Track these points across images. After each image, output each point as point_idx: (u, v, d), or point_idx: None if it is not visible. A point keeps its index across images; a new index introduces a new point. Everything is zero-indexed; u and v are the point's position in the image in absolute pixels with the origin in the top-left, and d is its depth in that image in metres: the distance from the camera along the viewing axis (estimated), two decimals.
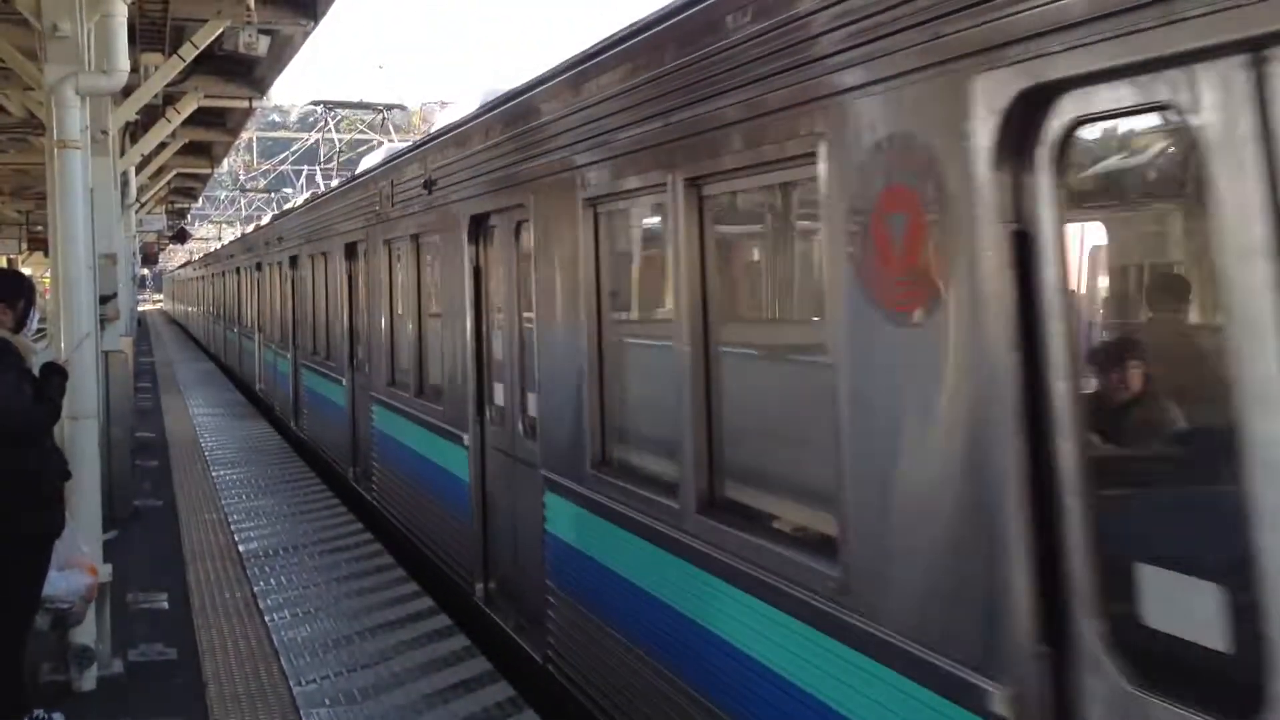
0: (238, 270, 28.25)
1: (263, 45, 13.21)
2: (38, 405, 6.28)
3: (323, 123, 32.62)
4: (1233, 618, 2.74)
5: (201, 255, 50.77)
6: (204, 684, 7.23)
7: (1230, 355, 2.64)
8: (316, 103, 31.33)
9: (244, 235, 31.65)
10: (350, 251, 13.73)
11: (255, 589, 9.37)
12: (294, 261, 18.36)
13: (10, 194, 29.98)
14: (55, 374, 6.56)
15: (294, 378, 18.51)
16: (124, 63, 7.83)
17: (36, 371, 6.53)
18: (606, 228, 6.30)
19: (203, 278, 43.85)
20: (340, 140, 37.39)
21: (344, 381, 14.18)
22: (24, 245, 32.74)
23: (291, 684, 7.21)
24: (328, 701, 6.95)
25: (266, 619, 8.56)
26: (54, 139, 7.45)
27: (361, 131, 37.18)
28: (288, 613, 8.74)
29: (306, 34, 14.06)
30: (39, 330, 9.13)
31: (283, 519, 12.16)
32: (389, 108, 32.00)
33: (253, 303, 24.83)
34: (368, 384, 12.74)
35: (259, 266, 23.33)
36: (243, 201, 54.89)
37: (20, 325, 6.46)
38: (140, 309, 50.74)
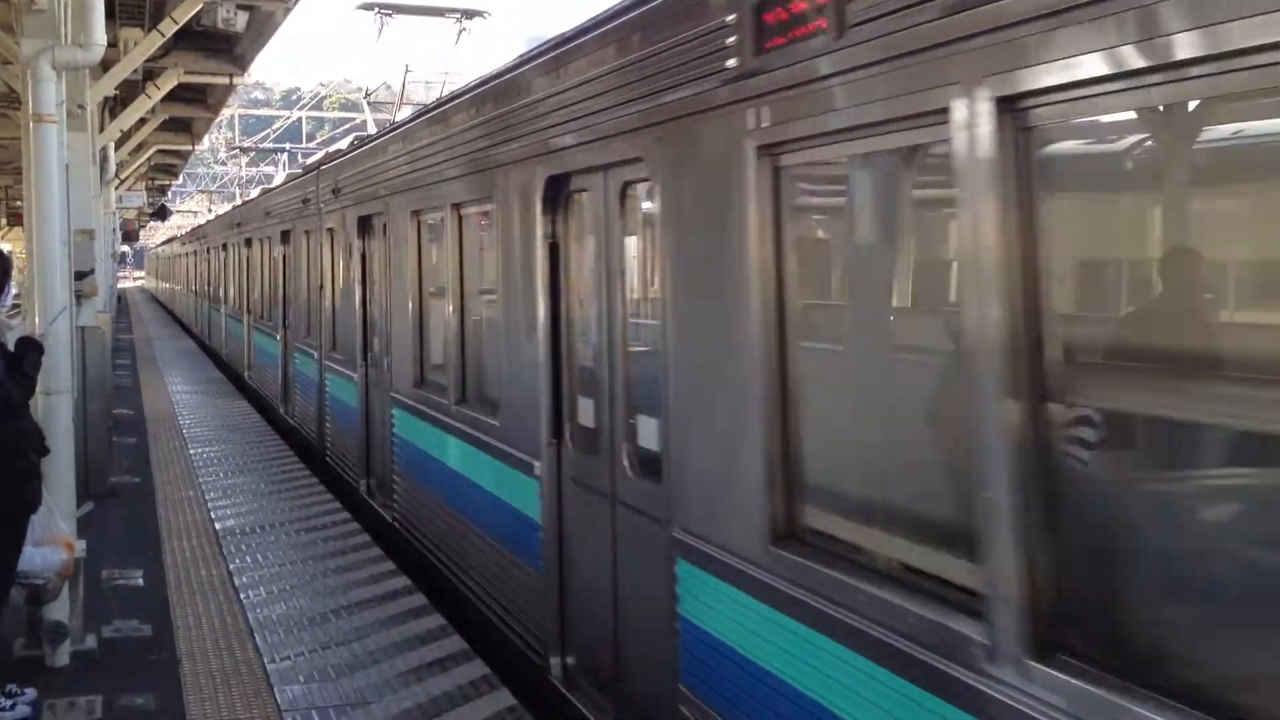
0: (224, 247, 27.20)
1: (241, 21, 13.16)
2: (12, 380, 6.26)
3: (380, 24, 22.35)
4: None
5: (186, 231, 50.14)
6: (178, 660, 7.24)
7: None
8: (367, 6, 21.61)
9: (232, 209, 30.25)
10: (365, 226, 12.00)
11: (231, 566, 9.38)
12: (285, 237, 17.07)
13: None
14: (30, 349, 6.55)
15: (286, 365, 17.25)
16: (101, 37, 7.79)
17: (11, 346, 6.52)
18: (791, 186, 4.46)
19: (185, 254, 42.61)
20: (323, 120, 37.11)
21: (355, 377, 12.39)
22: (4, 220, 32.57)
23: (266, 661, 7.23)
24: (301, 679, 6.96)
25: (242, 596, 8.56)
26: (29, 113, 7.40)
27: (350, 108, 36.72)
28: (263, 590, 8.75)
29: (287, 10, 13.99)
30: (14, 306, 9.10)
31: (260, 497, 12.15)
32: (467, 15, 22.54)
33: (242, 283, 23.21)
34: (386, 382, 10.97)
35: (248, 242, 21.85)
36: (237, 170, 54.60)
37: None
38: (120, 286, 50.55)
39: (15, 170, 27.50)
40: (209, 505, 11.69)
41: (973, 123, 3.30)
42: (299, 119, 46.79)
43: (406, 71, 24.93)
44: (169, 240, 51.30)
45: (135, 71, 14.41)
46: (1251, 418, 2.82)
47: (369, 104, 30.06)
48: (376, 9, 21.87)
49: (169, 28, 12.82)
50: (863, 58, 3.78)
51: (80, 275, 10.69)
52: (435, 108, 9.51)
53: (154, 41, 13.08)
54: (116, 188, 24.15)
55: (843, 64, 3.88)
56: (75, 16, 7.78)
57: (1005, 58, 3.17)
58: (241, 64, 17.25)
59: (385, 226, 10.99)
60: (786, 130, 4.27)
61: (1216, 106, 2.87)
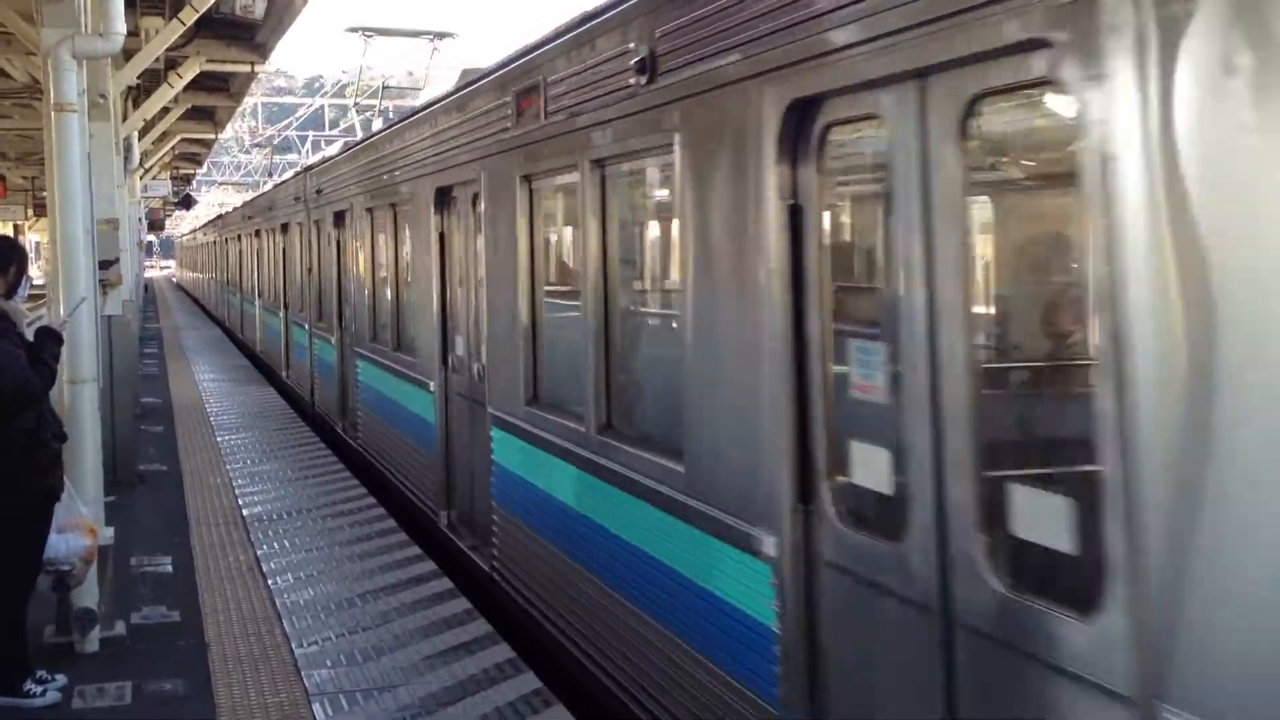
0: (258, 234, 25.20)
1: (259, 8, 13.19)
2: (34, 370, 6.29)
3: (364, 45, 25.09)
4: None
5: (214, 216, 49.60)
6: (206, 646, 7.28)
7: None
8: (354, 29, 24.81)
9: (263, 192, 28.26)
10: (443, 198, 9.93)
11: (259, 552, 9.42)
12: (340, 219, 14.87)
13: (16, 159, 29.98)
14: (50, 339, 6.58)
15: (345, 372, 14.71)
16: (121, 26, 7.80)
17: (30, 336, 6.56)
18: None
19: (215, 242, 40.92)
20: (345, 107, 37.34)
21: (432, 386, 10.24)
22: (30, 211, 32.77)
23: (293, 646, 7.26)
24: (329, 663, 6.99)
25: (269, 582, 8.60)
26: (50, 102, 7.42)
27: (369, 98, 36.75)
28: (290, 576, 8.78)
29: None
30: (32, 296, 9.15)
31: (287, 483, 12.20)
32: (439, 36, 25.52)
33: (279, 274, 21.38)
34: (478, 394, 8.92)
35: (284, 228, 20.37)
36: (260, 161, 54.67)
37: (11, 291, 6.49)
38: (147, 275, 50.78)
39: (40, 160, 27.68)
40: (236, 491, 11.74)
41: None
42: (321, 107, 46.85)
43: (384, 87, 31.84)
44: (204, 225, 47.57)
45: (157, 60, 14.45)
46: None
47: (355, 108, 33.30)
48: (361, 31, 25.40)
49: (189, 16, 12.84)
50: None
51: (105, 264, 10.76)
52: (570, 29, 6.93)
53: (175, 30, 13.10)
54: (141, 177, 24.25)
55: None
56: (95, 6, 7.79)
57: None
58: (263, 52, 17.28)
59: (482, 205, 8.69)
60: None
61: None
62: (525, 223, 7.66)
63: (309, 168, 18.48)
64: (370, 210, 12.87)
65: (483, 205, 8.59)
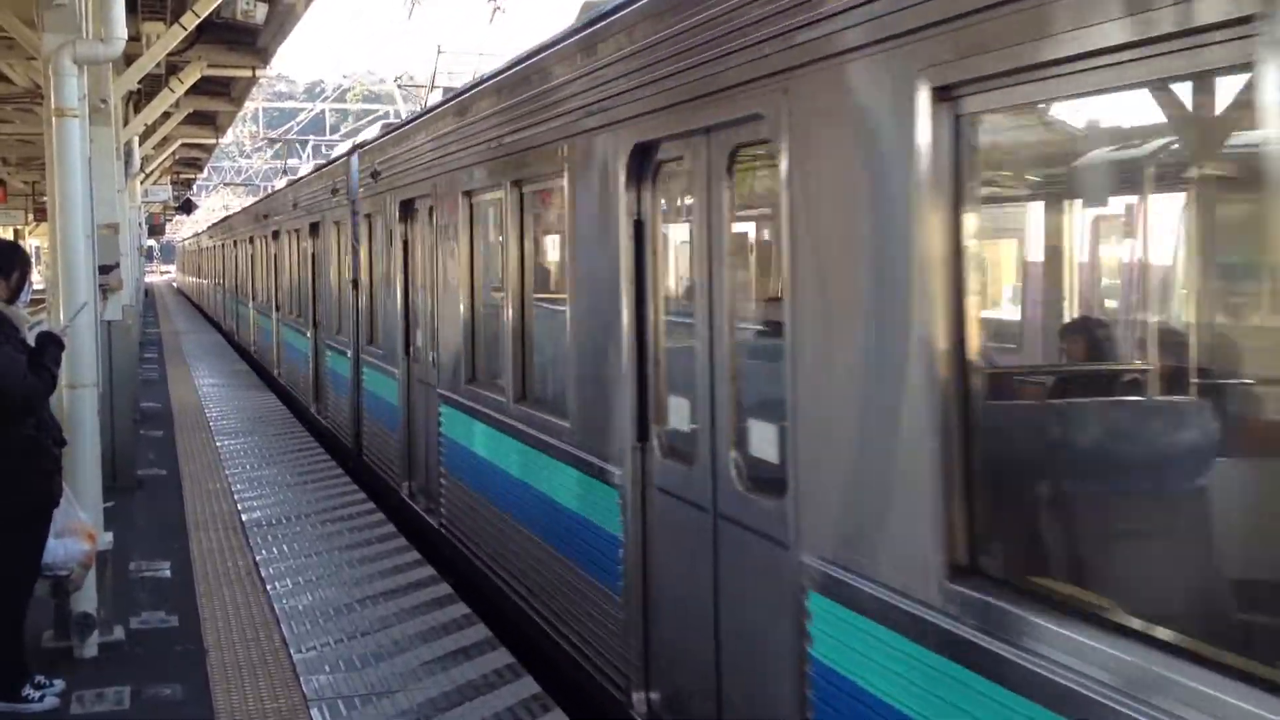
0: (276, 235, 22.54)
1: (260, 13, 13.20)
2: (35, 376, 6.30)
3: (410, 5, 21.56)
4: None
5: (219, 219, 47.19)
6: (205, 651, 7.28)
7: None
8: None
9: (282, 188, 25.39)
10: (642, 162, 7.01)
11: (257, 557, 9.42)
12: (406, 209, 11.40)
13: (17, 164, 29.98)
14: (51, 343, 6.59)
15: (410, 413, 11.52)
16: (121, 31, 7.82)
17: (32, 341, 6.57)
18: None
19: (222, 246, 37.99)
20: (346, 112, 37.23)
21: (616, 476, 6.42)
22: (31, 216, 32.79)
23: (292, 651, 7.26)
24: (328, 668, 6.99)
25: (268, 587, 8.60)
26: (51, 107, 7.43)
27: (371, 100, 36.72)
28: (289, 581, 8.78)
29: (308, 2, 14.03)
30: (33, 300, 9.16)
31: (286, 488, 12.20)
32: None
33: (307, 284, 18.36)
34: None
35: (314, 229, 17.52)
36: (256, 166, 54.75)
37: (14, 296, 6.49)
38: (148, 280, 50.81)
39: (40, 165, 27.70)
40: (235, 497, 11.74)
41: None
42: (322, 111, 46.93)
43: (439, 53, 24.79)
44: (226, 219, 43.17)
45: (158, 65, 14.49)
46: None
47: (400, 88, 30.26)
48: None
49: (190, 21, 12.89)
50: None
51: (105, 269, 10.77)
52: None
53: (176, 35, 13.15)
54: (142, 182, 24.28)
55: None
56: (96, 11, 7.82)
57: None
58: (264, 56, 17.32)
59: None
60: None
61: None
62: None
63: (359, 146, 14.04)
64: (480, 191, 8.82)
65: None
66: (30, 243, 37.55)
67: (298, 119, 46.66)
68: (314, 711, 6.35)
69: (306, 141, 44.55)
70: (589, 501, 6.56)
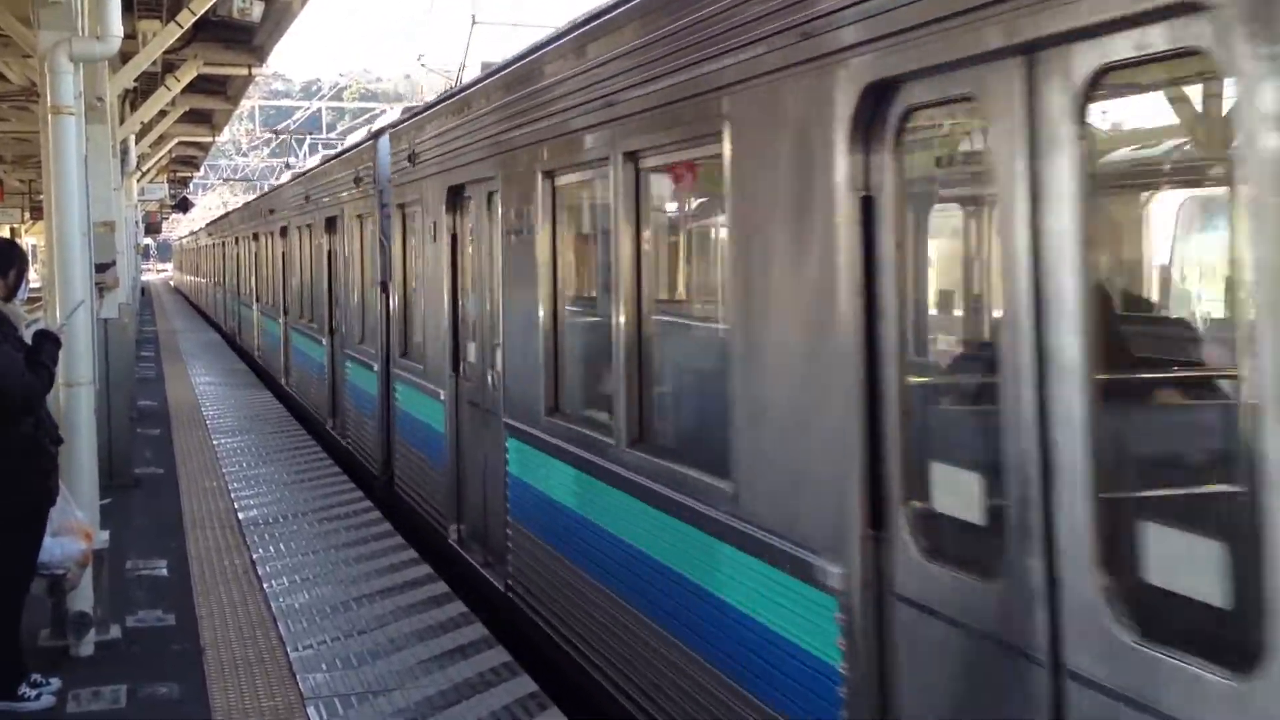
0: (283, 232, 21.18)
1: (257, 11, 13.18)
2: (33, 373, 6.29)
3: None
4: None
5: (219, 215, 45.28)
6: (202, 650, 7.27)
7: None
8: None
9: (289, 180, 23.70)
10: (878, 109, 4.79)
11: (254, 556, 9.41)
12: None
13: (12, 162, 29.96)
14: (48, 341, 6.58)
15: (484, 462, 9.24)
16: (117, 28, 7.79)
17: (29, 339, 6.56)
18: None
19: (222, 244, 36.95)
20: (343, 110, 37.16)
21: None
22: (27, 214, 32.76)
23: (289, 649, 7.25)
24: (324, 666, 6.98)
25: (265, 585, 8.59)
26: (47, 105, 7.42)
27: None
28: (286, 579, 8.77)
29: (305, 0, 14.00)
30: (31, 298, 9.13)
31: (282, 486, 12.19)
32: None
33: (321, 287, 16.77)
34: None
35: (330, 224, 16.11)
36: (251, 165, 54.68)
37: (11, 294, 6.49)
38: (144, 278, 50.75)
39: (37, 164, 27.67)
40: (232, 495, 11.73)
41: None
42: (319, 110, 46.89)
43: (474, 23, 21.90)
44: (226, 215, 39.54)
45: (154, 63, 14.46)
46: None
47: (425, 67, 30.54)
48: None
49: (186, 19, 12.83)
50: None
51: (101, 267, 10.76)
52: None
53: (172, 33, 13.10)
54: (138, 180, 24.24)
55: None
56: (92, 8, 7.78)
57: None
58: (260, 55, 17.29)
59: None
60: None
61: None
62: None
63: (393, 125, 12.55)
64: (570, 169, 7.22)
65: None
66: (27, 240, 37.53)
67: (294, 117, 46.61)
68: (311, 709, 6.34)
69: (305, 139, 44.46)
70: (776, 606, 4.64)
